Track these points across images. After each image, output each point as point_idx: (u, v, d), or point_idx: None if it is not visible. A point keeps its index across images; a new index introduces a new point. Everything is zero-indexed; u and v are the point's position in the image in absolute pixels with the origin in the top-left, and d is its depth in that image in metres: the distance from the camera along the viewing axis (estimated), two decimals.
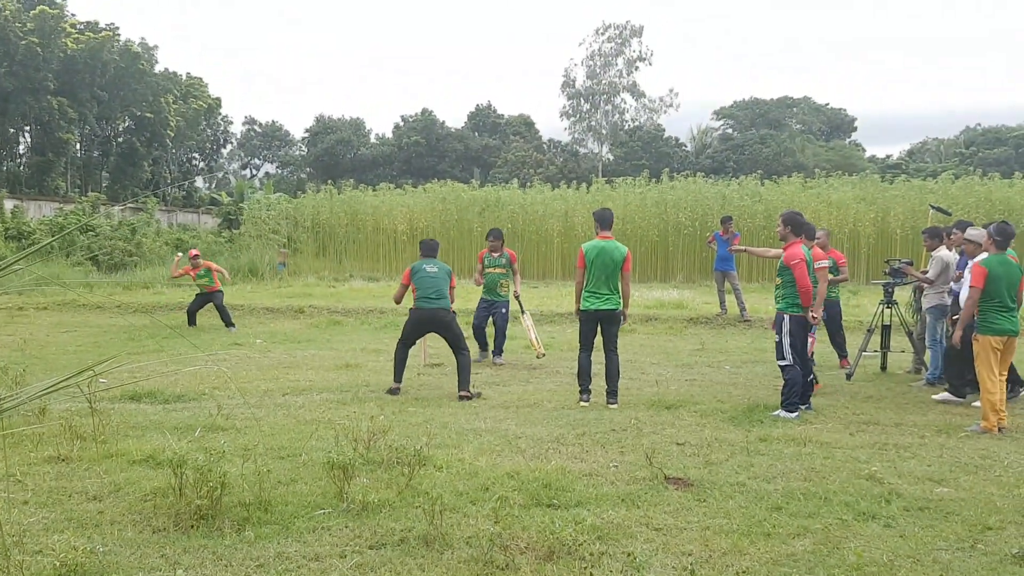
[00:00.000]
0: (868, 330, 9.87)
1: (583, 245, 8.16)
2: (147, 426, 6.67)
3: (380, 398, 8.13)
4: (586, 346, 8.17)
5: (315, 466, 5.35)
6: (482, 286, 10.89)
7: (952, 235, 9.08)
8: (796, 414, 7.35)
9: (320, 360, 10.80)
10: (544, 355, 10.53)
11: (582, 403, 7.97)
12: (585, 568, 3.56)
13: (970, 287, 7.10)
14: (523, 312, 10.95)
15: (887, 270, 9.90)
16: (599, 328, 8.11)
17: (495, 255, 10.78)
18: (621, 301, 8.07)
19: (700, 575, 3.50)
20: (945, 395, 8.17)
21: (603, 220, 8.20)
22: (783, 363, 7.56)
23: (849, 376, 9.46)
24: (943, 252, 9.02)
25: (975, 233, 8.14)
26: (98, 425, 6.24)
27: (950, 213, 12.51)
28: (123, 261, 25.09)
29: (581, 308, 8.12)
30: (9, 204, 28.90)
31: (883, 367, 10.10)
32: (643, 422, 7.07)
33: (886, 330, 9.92)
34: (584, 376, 8.14)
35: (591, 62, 58.70)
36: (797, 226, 7.68)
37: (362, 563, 3.89)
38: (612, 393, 8.01)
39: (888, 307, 9.73)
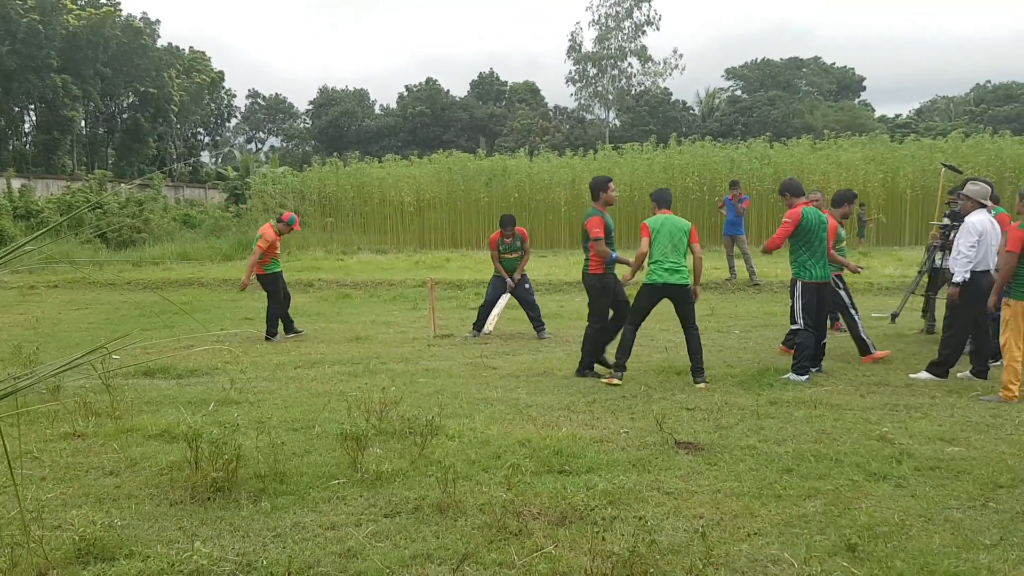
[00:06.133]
0: (920, 271, 9.85)
1: (646, 220, 7.59)
2: (161, 401, 6.73)
3: (391, 370, 8.17)
4: (636, 320, 7.55)
5: (329, 437, 5.40)
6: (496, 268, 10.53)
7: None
8: (806, 377, 7.37)
9: (330, 333, 10.84)
10: (485, 335, 10.12)
11: (614, 381, 7.31)
12: (597, 532, 3.59)
13: (1007, 252, 6.59)
14: (507, 293, 10.46)
15: (948, 212, 9.62)
16: (669, 306, 7.47)
17: (508, 240, 10.43)
18: (691, 276, 7.49)
19: (711, 538, 3.53)
20: (926, 375, 7.52)
21: (661, 200, 7.70)
22: (795, 327, 7.61)
23: (894, 317, 9.48)
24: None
25: (973, 189, 7.56)
26: (113, 401, 6.30)
27: (961, 171, 12.41)
28: (132, 238, 25.18)
29: (646, 281, 7.43)
30: (17, 183, 28.94)
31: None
32: (653, 388, 7.09)
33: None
34: (626, 351, 7.43)
35: (598, 25, 57.99)
36: (794, 190, 7.87)
37: (378, 531, 3.94)
38: (698, 371, 7.31)
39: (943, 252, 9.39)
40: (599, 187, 7.91)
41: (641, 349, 9.08)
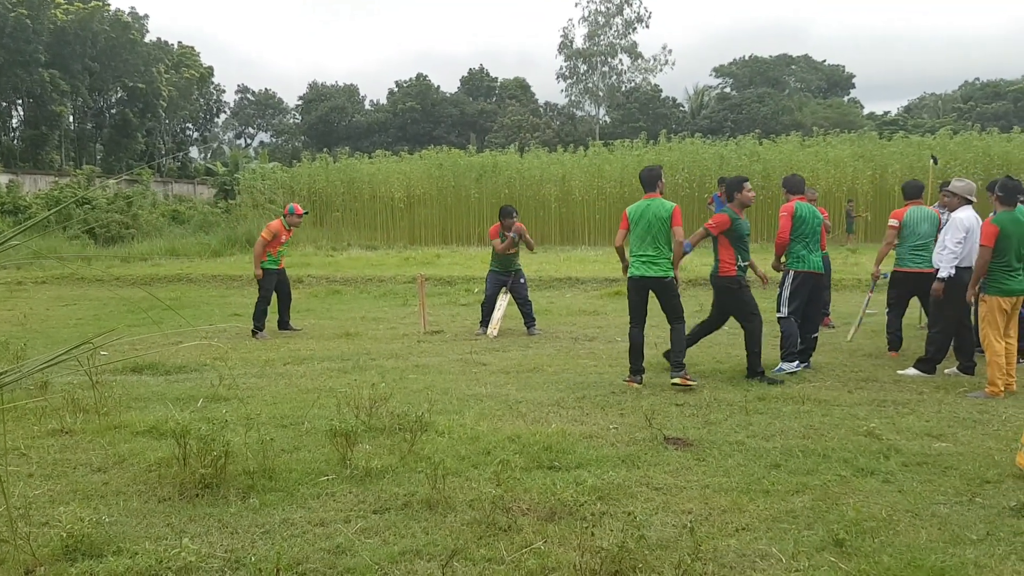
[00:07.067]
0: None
1: (627, 208, 7.40)
2: (149, 397, 6.70)
3: (381, 366, 8.16)
4: (635, 319, 7.20)
5: (318, 434, 5.39)
6: (493, 260, 10.51)
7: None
8: (796, 362, 7.52)
9: (320, 329, 10.82)
10: (493, 336, 10.03)
11: (634, 384, 7.05)
12: (586, 528, 3.60)
13: (981, 246, 6.62)
14: (506, 294, 10.45)
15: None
16: (652, 299, 7.20)
17: (508, 233, 10.32)
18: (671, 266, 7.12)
19: (700, 533, 3.54)
20: (914, 371, 7.54)
21: (645, 181, 7.36)
22: (779, 315, 7.71)
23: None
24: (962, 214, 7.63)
25: (959, 185, 7.59)
26: (100, 397, 6.27)
27: (937, 163, 12.44)
28: (120, 234, 25.04)
29: (628, 275, 7.26)
30: (4, 179, 28.78)
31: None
32: (642, 384, 7.10)
33: None
34: (635, 353, 7.16)
35: (588, 22, 57.89)
36: (792, 186, 8.06)
37: (367, 527, 3.93)
38: (677, 365, 7.08)
39: None
40: (734, 187, 7.60)
41: None
